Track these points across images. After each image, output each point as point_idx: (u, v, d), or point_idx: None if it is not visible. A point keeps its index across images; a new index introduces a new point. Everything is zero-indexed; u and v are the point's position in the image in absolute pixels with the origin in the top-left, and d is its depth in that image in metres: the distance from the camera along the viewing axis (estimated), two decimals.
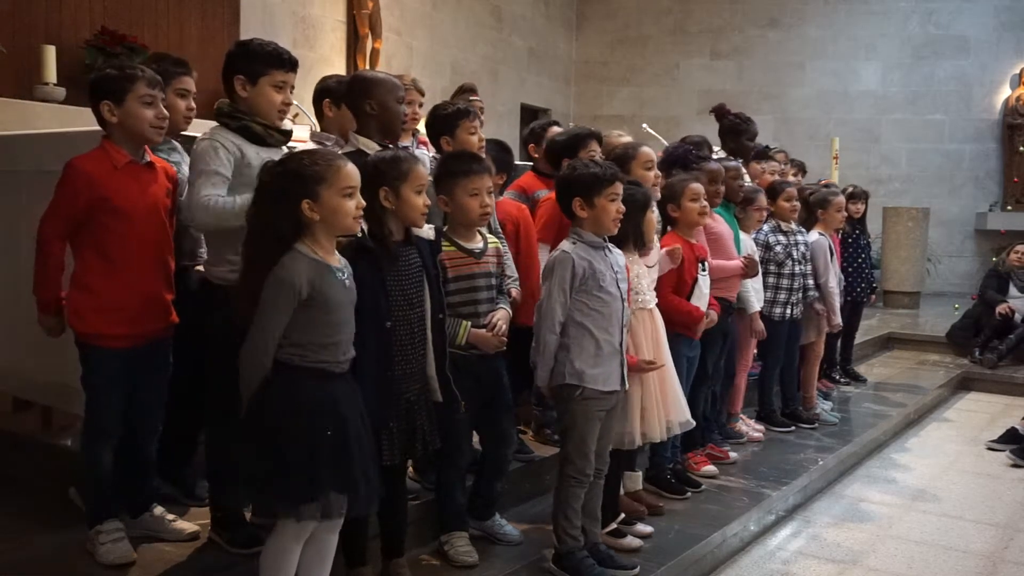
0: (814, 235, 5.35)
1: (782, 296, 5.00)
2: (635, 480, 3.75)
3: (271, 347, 2.30)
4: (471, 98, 4.62)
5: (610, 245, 3.07)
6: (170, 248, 2.86)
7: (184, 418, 3.12)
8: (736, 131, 5.05)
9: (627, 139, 4.10)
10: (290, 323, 2.29)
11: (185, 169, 3.05)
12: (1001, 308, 7.56)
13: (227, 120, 2.76)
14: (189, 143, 3.29)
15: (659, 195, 3.80)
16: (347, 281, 2.39)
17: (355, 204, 2.36)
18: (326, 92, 3.62)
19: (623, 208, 3.02)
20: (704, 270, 3.90)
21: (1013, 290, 7.72)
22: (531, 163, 4.34)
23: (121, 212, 2.69)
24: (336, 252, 2.41)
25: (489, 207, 3.02)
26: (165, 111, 2.80)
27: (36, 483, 3.36)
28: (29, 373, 3.50)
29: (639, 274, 3.32)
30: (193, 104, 3.31)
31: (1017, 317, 7.58)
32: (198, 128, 3.20)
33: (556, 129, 4.28)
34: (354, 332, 2.42)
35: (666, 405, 3.34)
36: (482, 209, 2.99)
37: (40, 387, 3.49)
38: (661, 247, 3.70)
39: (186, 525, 2.92)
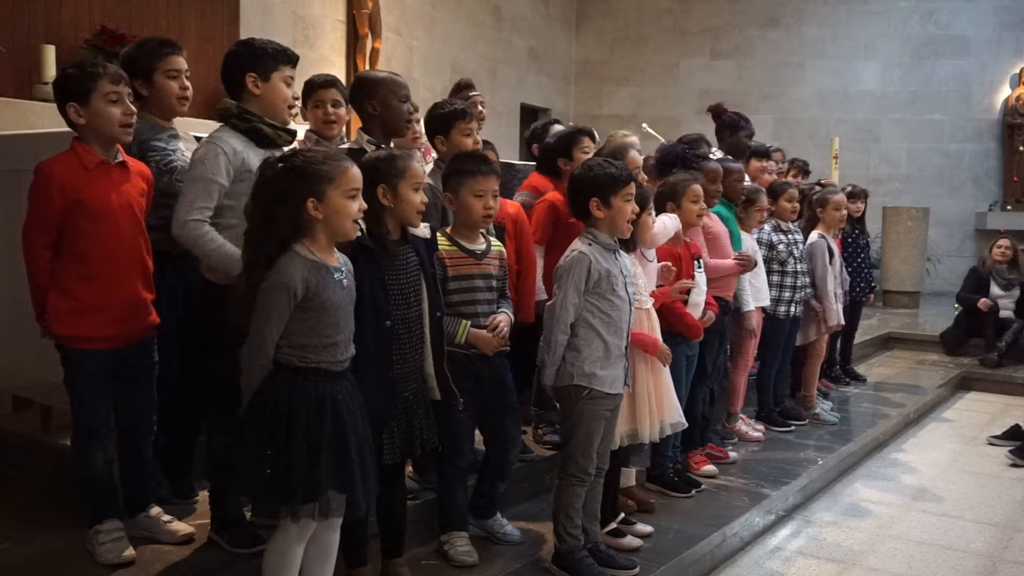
0: (814, 236, 5.36)
1: (786, 294, 5.02)
2: (627, 476, 3.75)
3: (269, 349, 2.29)
4: (471, 94, 4.61)
5: (619, 248, 3.07)
6: (148, 248, 2.82)
7: (179, 416, 3.12)
8: (734, 127, 5.05)
9: (632, 139, 4.08)
10: (288, 325, 2.28)
11: (187, 156, 2.96)
12: (980, 303, 7.58)
13: (236, 122, 2.72)
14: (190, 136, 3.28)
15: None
16: (345, 281, 2.37)
17: (357, 206, 2.34)
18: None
19: (637, 208, 3.02)
20: (700, 267, 3.91)
21: (995, 289, 7.71)
22: (535, 163, 4.33)
23: (95, 214, 2.65)
24: (335, 252, 2.39)
25: (493, 210, 3.03)
26: (132, 107, 2.73)
27: (36, 483, 3.36)
28: (29, 372, 3.49)
29: (636, 274, 3.31)
30: (187, 83, 3.08)
31: (1003, 314, 7.57)
32: (201, 129, 3.17)
33: (558, 127, 4.28)
34: (353, 331, 2.41)
35: (660, 406, 3.33)
36: (485, 211, 2.99)
37: (40, 386, 3.49)
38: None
39: (181, 527, 2.90)
